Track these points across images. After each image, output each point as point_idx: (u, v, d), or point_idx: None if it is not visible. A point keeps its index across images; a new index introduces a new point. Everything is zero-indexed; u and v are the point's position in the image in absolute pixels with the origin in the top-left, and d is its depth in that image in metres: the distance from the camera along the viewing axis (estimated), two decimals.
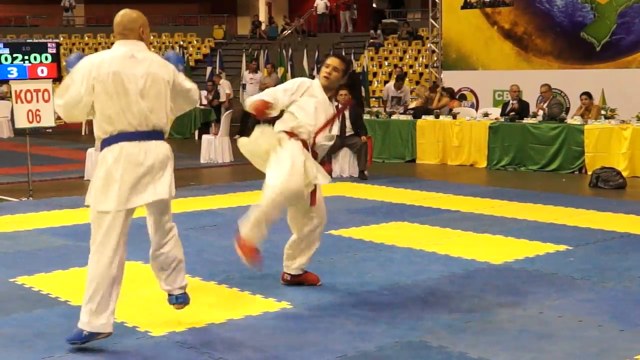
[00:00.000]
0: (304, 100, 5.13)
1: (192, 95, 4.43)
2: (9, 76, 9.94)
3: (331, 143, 5.29)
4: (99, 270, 4.10)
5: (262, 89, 17.69)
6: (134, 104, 4.02)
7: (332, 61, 5.25)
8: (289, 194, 4.93)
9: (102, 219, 4.09)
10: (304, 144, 5.08)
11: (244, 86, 18.54)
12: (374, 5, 30.23)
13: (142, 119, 4.05)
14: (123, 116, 4.01)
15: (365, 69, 19.02)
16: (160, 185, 4.16)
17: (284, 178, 4.92)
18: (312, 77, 15.74)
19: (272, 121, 5.20)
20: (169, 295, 4.54)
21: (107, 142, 4.06)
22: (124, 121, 4.01)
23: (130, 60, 4.05)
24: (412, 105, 14.42)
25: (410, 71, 21.82)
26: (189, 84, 4.40)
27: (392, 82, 16.74)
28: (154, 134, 4.14)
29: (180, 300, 4.53)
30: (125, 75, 4.02)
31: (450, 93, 14.60)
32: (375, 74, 22.41)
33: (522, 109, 12.91)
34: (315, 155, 5.16)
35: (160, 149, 4.17)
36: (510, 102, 13.32)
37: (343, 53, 18.72)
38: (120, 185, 4.03)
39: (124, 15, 4.17)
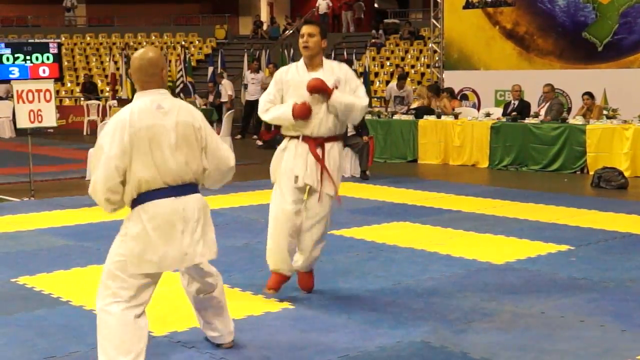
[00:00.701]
0: (290, 93, 5.06)
1: (223, 157, 3.93)
2: (11, 76, 9.92)
3: (346, 100, 4.96)
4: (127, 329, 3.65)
5: (263, 89, 17.76)
6: (170, 159, 3.65)
7: (305, 29, 5.02)
8: (278, 220, 5.11)
9: (135, 279, 3.67)
10: (308, 139, 5.02)
11: (245, 86, 18.54)
12: (376, 5, 30.21)
13: (178, 173, 3.69)
14: (157, 173, 3.63)
15: (366, 69, 19.00)
16: (207, 245, 3.82)
17: (272, 206, 5.20)
18: None
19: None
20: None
21: (139, 200, 3.66)
22: (158, 179, 3.64)
23: (157, 113, 3.66)
24: (415, 105, 14.41)
25: (412, 71, 21.80)
26: (221, 144, 3.94)
27: (394, 82, 16.72)
28: (189, 188, 3.78)
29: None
30: (157, 129, 3.63)
31: (451, 93, 14.59)
32: (377, 74, 22.41)
33: (522, 109, 12.89)
34: (321, 143, 5.04)
35: (197, 204, 3.81)
36: (512, 102, 13.31)
37: (345, 53, 18.73)
38: (160, 246, 3.65)
39: (142, 59, 3.73)
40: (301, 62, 5.14)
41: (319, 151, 5.01)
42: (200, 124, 3.80)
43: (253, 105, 18.14)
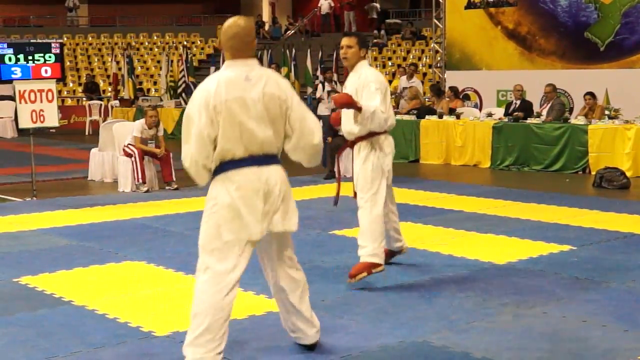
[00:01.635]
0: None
1: (306, 131, 3.84)
2: (13, 76, 9.92)
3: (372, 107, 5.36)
4: (212, 302, 3.70)
5: None
6: (256, 130, 3.66)
7: (343, 41, 5.64)
8: None
9: (227, 248, 3.70)
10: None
11: None
12: (374, 3, 30.16)
13: (262, 144, 3.70)
14: (241, 144, 3.64)
15: None
16: (288, 215, 3.85)
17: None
18: (316, 77, 15.67)
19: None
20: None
21: (223, 169, 3.69)
22: (242, 149, 3.65)
23: (245, 84, 3.66)
24: (410, 106, 14.38)
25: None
26: (308, 117, 3.87)
27: (404, 76, 16.88)
28: (271, 159, 3.77)
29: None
30: (243, 101, 3.63)
31: (455, 92, 14.59)
32: None
33: (524, 109, 12.89)
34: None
35: (280, 175, 3.81)
36: (514, 101, 13.31)
37: None
38: (246, 214, 3.67)
39: (237, 25, 3.76)
40: None
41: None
42: (287, 95, 3.78)
43: None
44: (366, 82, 5.43)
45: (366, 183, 5.49)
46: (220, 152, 3.65)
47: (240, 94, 3.64)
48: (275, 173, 3.78)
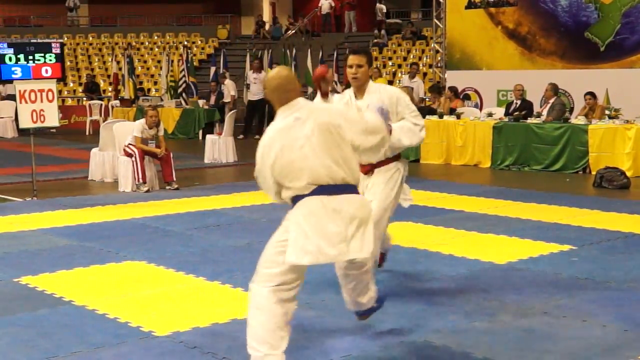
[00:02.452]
0: None
1: (369, 132, 3.96)
2: (13, 76, 9.92)
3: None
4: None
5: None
6: (316, 163, 3.77)
7: (353, 60, 5.11)
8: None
9: (289, 268, 3.80)
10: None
11: (247, 86, 18.53)
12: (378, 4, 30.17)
13: (327, 174, 3.79)
14: (306, 180, 3.79)
15: None
16: (355, 243, 3.82)
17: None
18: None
19: None
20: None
21: (296, 199, 3.86)
22: (307, 185, 3.80)
23: (296, 123, 3.81)
24: None
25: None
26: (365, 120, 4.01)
27: (406, 76, 16.94)
28: (343, 188, 3.83)
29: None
30: (297, 141, 3.78)
31: (455, 92, 14.60)
32: None
33: (524, 108, 12.89)
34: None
35: (353, 203, 3.84)
36: (515, 101, 13.31)
37: (347, 53, 18.71)
38: (314, 240, 3.74)
39: (279, 77, 3.90)
40: (351, 91, 5.26)
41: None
42: (336, 117, 3.89)
43: (255, 105, 18.15)
44: (395, 99, 5.11)
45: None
46: (289, 191, 3.89)
47: (294, 135, 3.80)
48: (348, 201, 3.84)
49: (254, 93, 18.11)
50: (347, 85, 14.19)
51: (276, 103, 3.91)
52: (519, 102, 13.19)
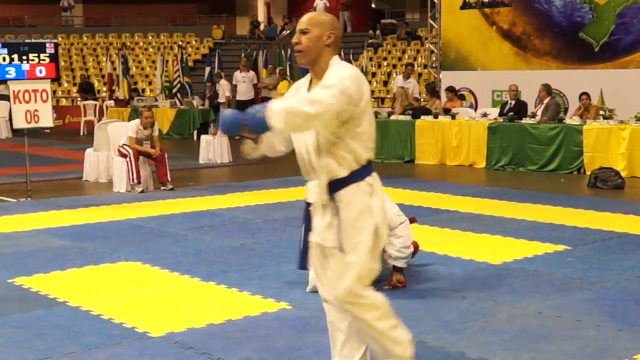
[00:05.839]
0: None
1: None
2: (7, 76, 9.91)
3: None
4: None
5: (263, 88, 17.80)
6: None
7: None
8: None
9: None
10: None
11: (235, 86, 18.48)
12: (373, 5, 30.21)
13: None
14: (370, 144, 3.33)
15: (364, 69, 19.03)
16: None
17: None
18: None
19: None
20: None
21: (363, 173, 3.32)
22: (370, 149, 3.34)
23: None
24: (397, 109, 14.35)
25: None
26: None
27: (400, 76, 16.96)
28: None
29: None
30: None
31: (454, 92, 14.61)
32: (374, 74, 22.42)
33: (519, 108, 12.91)
34: None
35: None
36: (509, 101, 13.33)
37: (342, 53, 18.73)
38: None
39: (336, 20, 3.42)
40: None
41: None
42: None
43: (245, 104, 18.15)
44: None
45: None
46: (361, 150, 3.36)
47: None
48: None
49: (242, 93, 18.10)
50: None
51: (334, 50, 3.32)
52: (513, 102, 13.21)
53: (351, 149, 3.28)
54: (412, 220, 5.46)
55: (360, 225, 3.29)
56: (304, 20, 3.34)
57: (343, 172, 3.28)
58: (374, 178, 3.37)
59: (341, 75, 3.20)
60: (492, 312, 4.86)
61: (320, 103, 3.09)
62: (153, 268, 6.07)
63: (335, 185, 3.30)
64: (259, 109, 3.10)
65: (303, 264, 3.84)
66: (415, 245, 5.73)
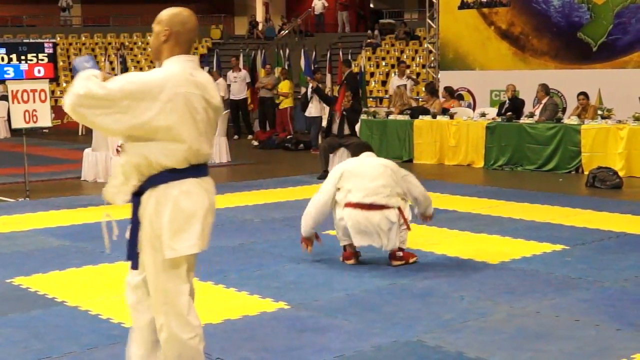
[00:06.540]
0: None
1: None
2: (6, 76, 9.89)
3: None
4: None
5: (262, 88, 17.79)
6: (203, 134, 3.25)
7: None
8: None
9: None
10: None
11: (228, 86, 18.47)
12: (372, 5, 30.21)
13: (204, 152, 3.29)
14: (190, 149, 3.21)
15: (362, 69, 19.02)
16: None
17: None
18: (312, 78, 15.61)
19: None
20: None
21: (174, 176, 3.22)
22: (190, 154, 3.22)
23: (191, 79, 3.23)
24: (395, 110, 14.35)
25: (407, 71, 21.79)
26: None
27: (395, 75, 16.98)
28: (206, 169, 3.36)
29: None
30: (191, 99, 3.21)
31: (450, 92, 14.62)
32: (372, 74, 22.42)
33: (516, 106, 12.92)
34: None
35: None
36: (507, 101, 13.33)
37: (340, 53, 18.73)
38: (203, 225, 3.30)
39: (195, 16, 3.37)
40: None
41: None
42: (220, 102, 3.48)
43: (238, 104, 18.17)
44: None
45: None
46: (164, 154, 3.26)
47: (189, 90, 3.25)
48: (212, 185, 3.43)
49: (235, 92, 18.11)
50: (341, 85, 14.17)
51: (183, 47, 3.28)
52: (509, 100, 13.22)
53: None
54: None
55: None
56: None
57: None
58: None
59: (141, 75, 3.18)
60: (490, 311, 4.87)
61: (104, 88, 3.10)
62: None
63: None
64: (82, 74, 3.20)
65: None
66: (408, 255, 6.05)
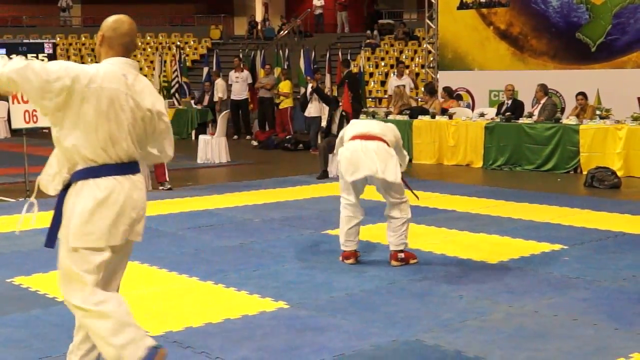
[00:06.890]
0: None
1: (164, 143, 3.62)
2: None
3: None
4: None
5: (261, 88, 17.81)
6: (126, 133, 3.41)
7: None
8: None
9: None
10: None
11: (230, 86, 18.49)
12: (375, 6, 30.19)
13: (128, 151, 3.45)
14: (111, 145, 3.39)
15: (361, 69, 19.04)
16: (140, 226, 3.61)
17: None
18: (312, 78, 15.63)
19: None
20: None
21: (95, 171, 3.46)
22: (111, 150, 3.40)
23: (122, 79, 3.41)
24: (394, 110, 14.36)
25: (407, 72, 21.81)
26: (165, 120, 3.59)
27: (394, 75, 16.99)
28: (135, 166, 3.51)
29: None
30: (118, 96, 3.37)
31: (449, 92, 14.63)
32: (371, 74, 22.43)
33: (516, 108, 12.94)
34: None
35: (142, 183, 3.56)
36: (505, 102, 13.36)
37: (339, 53, 18.75)
38: (115, 221, 3.49)
39: (130, 22, 3.66)
40: None
41: None
42: (156, 107, 3.60)
43: (239, 104, 18.17)
44: None
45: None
46: (89, 149, 3.51)
47: (117, 87, 3.44)
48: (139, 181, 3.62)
49: (236, 93, 18.12)
50: (340, 85, 14.14)
51: (120, 49, 3.55)
52: (510, 102, 13.24)
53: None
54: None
55: None
56: None
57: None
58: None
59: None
60: (489, 311, 4.89)
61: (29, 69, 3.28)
62: (151, 267, 6.08)
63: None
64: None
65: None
66: (409, 256, 6.13)
